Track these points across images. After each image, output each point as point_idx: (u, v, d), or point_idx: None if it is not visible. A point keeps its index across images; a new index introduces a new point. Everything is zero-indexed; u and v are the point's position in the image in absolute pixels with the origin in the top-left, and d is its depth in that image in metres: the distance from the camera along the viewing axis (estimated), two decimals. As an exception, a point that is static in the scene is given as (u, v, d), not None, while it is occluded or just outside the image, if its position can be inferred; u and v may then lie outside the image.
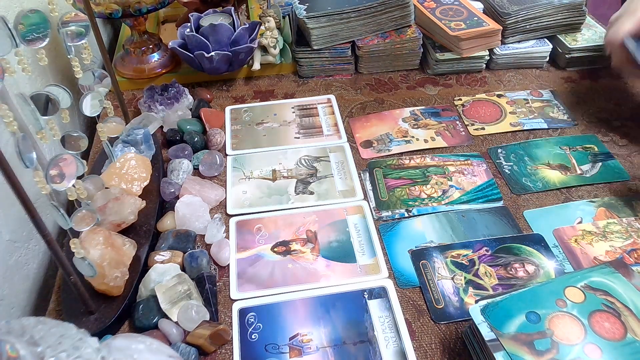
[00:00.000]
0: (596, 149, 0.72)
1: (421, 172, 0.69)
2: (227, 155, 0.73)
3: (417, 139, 0.74)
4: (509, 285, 0.55)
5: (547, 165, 0.69)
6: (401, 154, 0.72)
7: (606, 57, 0.83)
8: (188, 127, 0.74)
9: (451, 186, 0.67)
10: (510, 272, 0.56)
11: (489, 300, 0.46)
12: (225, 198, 0.66)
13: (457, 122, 0.77)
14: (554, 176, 0.67)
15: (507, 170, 0.68)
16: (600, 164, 0.69)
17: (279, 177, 0.69)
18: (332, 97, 0.83)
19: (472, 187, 0.66)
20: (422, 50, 0.87)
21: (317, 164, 0.71)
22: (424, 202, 0.65)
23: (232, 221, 0.63)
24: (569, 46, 0.86)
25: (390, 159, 0.71)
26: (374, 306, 0.53)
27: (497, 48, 0.86)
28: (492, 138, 0.75)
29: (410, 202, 0.64)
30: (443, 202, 0.64)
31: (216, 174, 0.69)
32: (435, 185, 0.67)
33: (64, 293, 0.54)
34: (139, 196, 0.60)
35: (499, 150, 0.72)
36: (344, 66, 0.87)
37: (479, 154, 0.72)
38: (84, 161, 0.49)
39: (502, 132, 0.75)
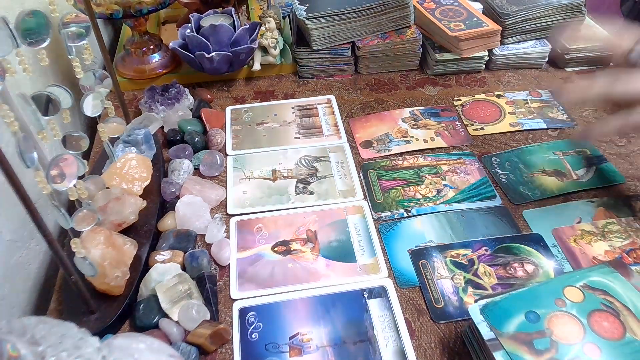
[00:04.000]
0: (589, 152, 0.71)
1: (415, 173, 0.69)
2: (227, 155, 0.73)
3: (417, 139, 0.74)
4: (508, 285, 0.55)
5: (542, 172, 0.68)
6: (401, 154, 0.72)
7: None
8: (189, 127, 0.74)
9: (445, 185, 0.67)
10: (510, 272, 0.56)
11: (489, 300, 0.46)
12: (226, 198, 0.66)
13: (457, 122, 0.77)
14: (551, 183, 0.67)
15: (503, 180, 0.68)
16: (594, 167, 0.69)
17: (279, 177, 0.69)
18: (332, 97, 0.83)
19: (466, 186, 0.67)
20: (421, 50, 0.87)
21: (317, 164, 0.71)
22: (419, 202, 0.65)
23: (233, 221, 0.63)
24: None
25: (383, 160, 0.71)
26: (374, 305, 0.54)
27: (496, 48, 0.86)
28: (491, 138, 0.75)
29: (405, 203, 0.65)
30: (438, 202, 0.65)
31: (216, 174, 0.70)
32: (430, 185, 0.67)
33: (64, 293, 0.55)
34: (140, 196, 0.61)
35: (493, 159, 0.71)
36: (344, 66, 0.87)
37: (471, 152, 0.72)
38: (85, 161, 0.49)
39: (502, 132, 0.75)
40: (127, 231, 0.58)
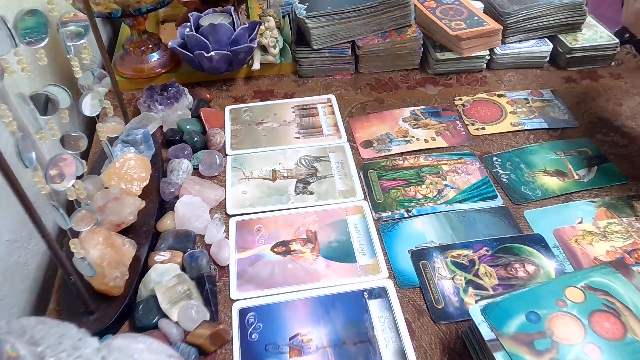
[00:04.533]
0: (590, 152, 0.71)
1: (415, 173, 0.69)
2: (226, 155, 0.73)
3: (418, 139, 0.74)
4: (509, 285, 0.55)
5: (544, 172, 0.68)
6: (401, 153, 0.72)
7: (606, 57, 0.83)
8: (188, 127, 0.74)
9: (446, 185, 0.67)
10: (511, 272, 0.56)
11: (489, 300, 0.46)
12: (225, 198, 0.66)
13: (458, 122, 0.77)
14: (552, 183, 0.67)
15: (504, 180, 0.67)
16: (595, 167, 0.69)
17: (279, 177, 0.69)
18: (332, 96, 0.83)
19: (467, 186, 0.66)
20: (422, 49, 0.87)
21: (317, 164, 0.70)
22: (419, 202, 0.64)
23: (232, 221, 0.63)
24: (570, 46, 0.86)
25: (383, 160, 0.71)
26: (374, 306, 0.53)
27: (497, 48, 0.86)
28: (492, 138, 0.74)
29: (406, 203, 0.64)
30: (439, 202, 0.64)
31: (216, 174, 0.69)
32: (430, 185, 0.67)
33: (63, 293, 0.55)
34: (139, 196, 0.60)
35: (495, 159, 0.71)
36: (344, 66, 0.87)
37: (472, 152, 0.72)
38: (84, 161, 0.49)
39: (503, 132, 0.75)
40: (126, 231, 0.58)
